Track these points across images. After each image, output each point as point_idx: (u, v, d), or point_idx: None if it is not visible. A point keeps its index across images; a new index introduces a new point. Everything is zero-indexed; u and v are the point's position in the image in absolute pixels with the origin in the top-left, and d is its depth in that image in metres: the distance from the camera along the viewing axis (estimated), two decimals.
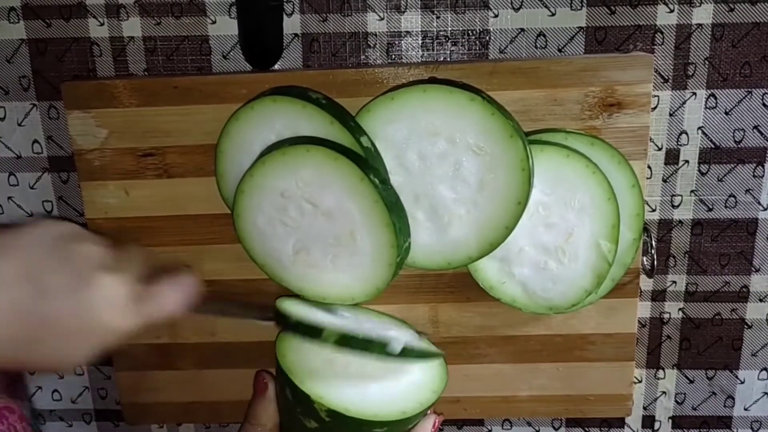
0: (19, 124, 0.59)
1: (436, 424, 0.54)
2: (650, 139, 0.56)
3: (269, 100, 0.50)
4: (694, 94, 0.56)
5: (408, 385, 0.52)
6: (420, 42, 0.56)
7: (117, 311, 0.45)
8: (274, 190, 0.50)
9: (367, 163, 0.49)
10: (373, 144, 0.50)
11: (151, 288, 0.48)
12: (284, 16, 0.55)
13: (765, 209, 0.58)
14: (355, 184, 0.48)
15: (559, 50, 0.55)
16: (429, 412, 0.53)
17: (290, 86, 0.52)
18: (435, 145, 0.49)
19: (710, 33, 0.54)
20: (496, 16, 0.55)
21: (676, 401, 0.64)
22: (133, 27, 0.56)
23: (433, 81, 0.51)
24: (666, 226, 0.59)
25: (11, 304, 0.42)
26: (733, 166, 0.57)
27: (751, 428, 0.65)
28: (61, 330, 0.44)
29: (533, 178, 0.49)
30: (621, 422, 0.65)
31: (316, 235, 0.51)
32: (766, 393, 0.63)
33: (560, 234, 0.52)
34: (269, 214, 0.51)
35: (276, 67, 0.56)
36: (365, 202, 0.48)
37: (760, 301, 0.60)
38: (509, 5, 0.54)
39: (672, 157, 0.57)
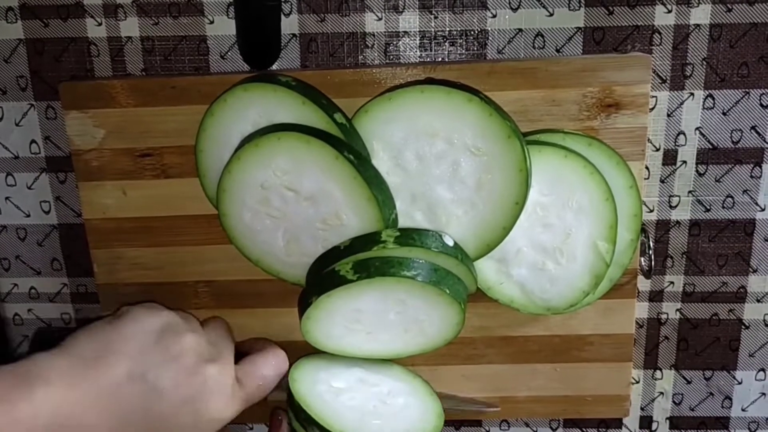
0: (17, 124, 0.58)
1: None
2: (648, 139, 0.56)
3: (240, 90, 0.50)
4: (692, 94, 0.56)
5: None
6: (418, 42, 0.56)
7: (225, 400, 0.48)
8: (254, 183, 0.50)
9: (341, 141, 0.49)
10: (348, 120, 0.50)
11: (248, 370, 0.50)
12: (282, 16, 0.55)
13: (762, 210, 0.58)
14: (331, 163, 0.48)
15: (557, 50, 0.55)
16: None
17: (260, 74, 0.52)
18: (433, 146, 0.49)
19: (708, 33, 0.54)
20: (494, 16, 0.55)
21: (674, 402, 0.64)
22: (130, 27, 0.56)
23: (430, 81, 0.51)
24: (664, 226, 0.59)
25: (126, 404, 0.43)
26: (730, 166, 0.57)
27: (749, 429, 0.65)
28: (176, 426, 0.45)
29: (531, 179, 0.49)
30: (619, 423, 0.65)
31: (303, 222, 0.51)
32: (763, 393, 0.63)
33: (558, 234, 0.52)
34: (254, 208, 0.51)
35: (274, 67, 0.56)
36: (344, 180, 0.48)
37: (758, 301, 0.60)
38: (507, 5, 0.54)
39: (670, 158, 0.57)
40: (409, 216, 0.51)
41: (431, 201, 0.50)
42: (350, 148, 0.49)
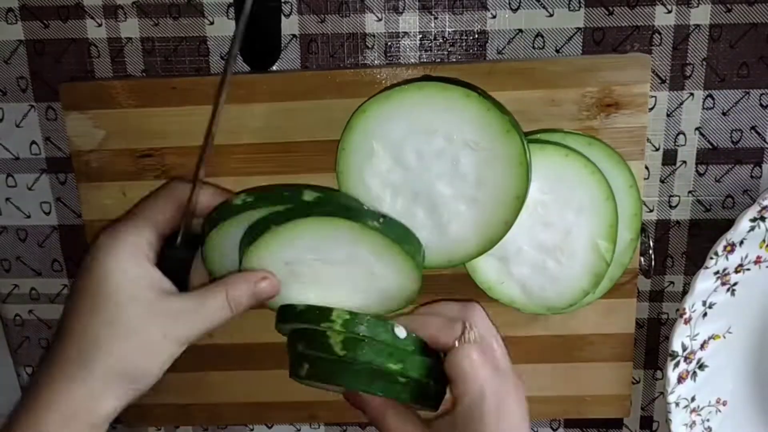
0: (17, 126, 0.59)
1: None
2: (647, 139, 0.56)
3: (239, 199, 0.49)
4: (692, 94, 0.56)
5: None
6: (418, 43, 0.56)
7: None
8: (278, 262, 0.48)
9: (360, 210, 0.49)
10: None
11: None
12: (282, 17, 0.55)
13: None
14: (358, 234, 0.47)
15: (557, 51, 0.56)
16: None
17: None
18: (432, 143, 0.49)
19: (708, 34, 0.54)
20: (494, 17, 0.55)
21: None
22: (130, 28, 0.56)
23: (427, 79, 0.51)
24: (663, 226, 0.59)
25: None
26: (730, 166, 0.57)
27: None
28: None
29: (531, 173, 0.48)
30: (619, 423, 0.65)
31: (334, 284, 0.50)
32: None
33: (559, 233, 0.52)
34: (281, 274, 0.49)
35: (274, 68, 0.57)
36: (374, 247, 0.47)
37: None
38: (507, 6, 0.55)
39: (669, 158, 0.57)
40: (410, 214, 0.51)
41: (433, 198, 0.50)
42: (371, 213, 0.48)
